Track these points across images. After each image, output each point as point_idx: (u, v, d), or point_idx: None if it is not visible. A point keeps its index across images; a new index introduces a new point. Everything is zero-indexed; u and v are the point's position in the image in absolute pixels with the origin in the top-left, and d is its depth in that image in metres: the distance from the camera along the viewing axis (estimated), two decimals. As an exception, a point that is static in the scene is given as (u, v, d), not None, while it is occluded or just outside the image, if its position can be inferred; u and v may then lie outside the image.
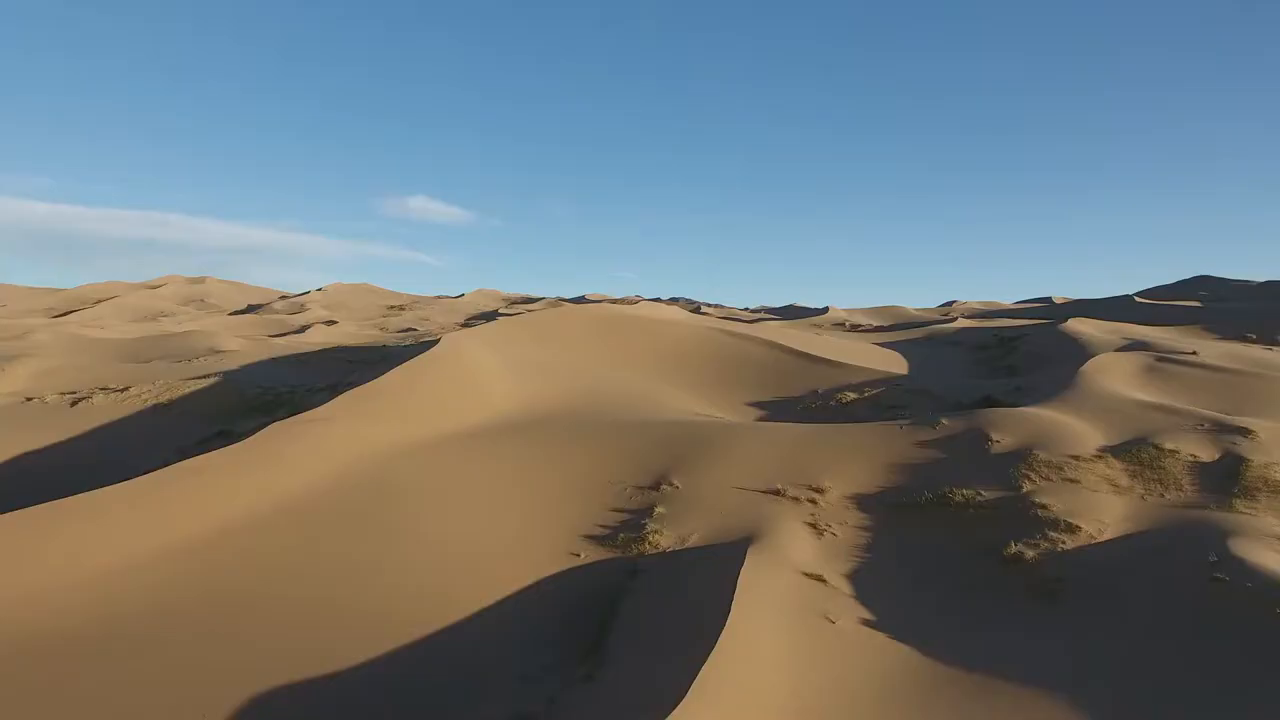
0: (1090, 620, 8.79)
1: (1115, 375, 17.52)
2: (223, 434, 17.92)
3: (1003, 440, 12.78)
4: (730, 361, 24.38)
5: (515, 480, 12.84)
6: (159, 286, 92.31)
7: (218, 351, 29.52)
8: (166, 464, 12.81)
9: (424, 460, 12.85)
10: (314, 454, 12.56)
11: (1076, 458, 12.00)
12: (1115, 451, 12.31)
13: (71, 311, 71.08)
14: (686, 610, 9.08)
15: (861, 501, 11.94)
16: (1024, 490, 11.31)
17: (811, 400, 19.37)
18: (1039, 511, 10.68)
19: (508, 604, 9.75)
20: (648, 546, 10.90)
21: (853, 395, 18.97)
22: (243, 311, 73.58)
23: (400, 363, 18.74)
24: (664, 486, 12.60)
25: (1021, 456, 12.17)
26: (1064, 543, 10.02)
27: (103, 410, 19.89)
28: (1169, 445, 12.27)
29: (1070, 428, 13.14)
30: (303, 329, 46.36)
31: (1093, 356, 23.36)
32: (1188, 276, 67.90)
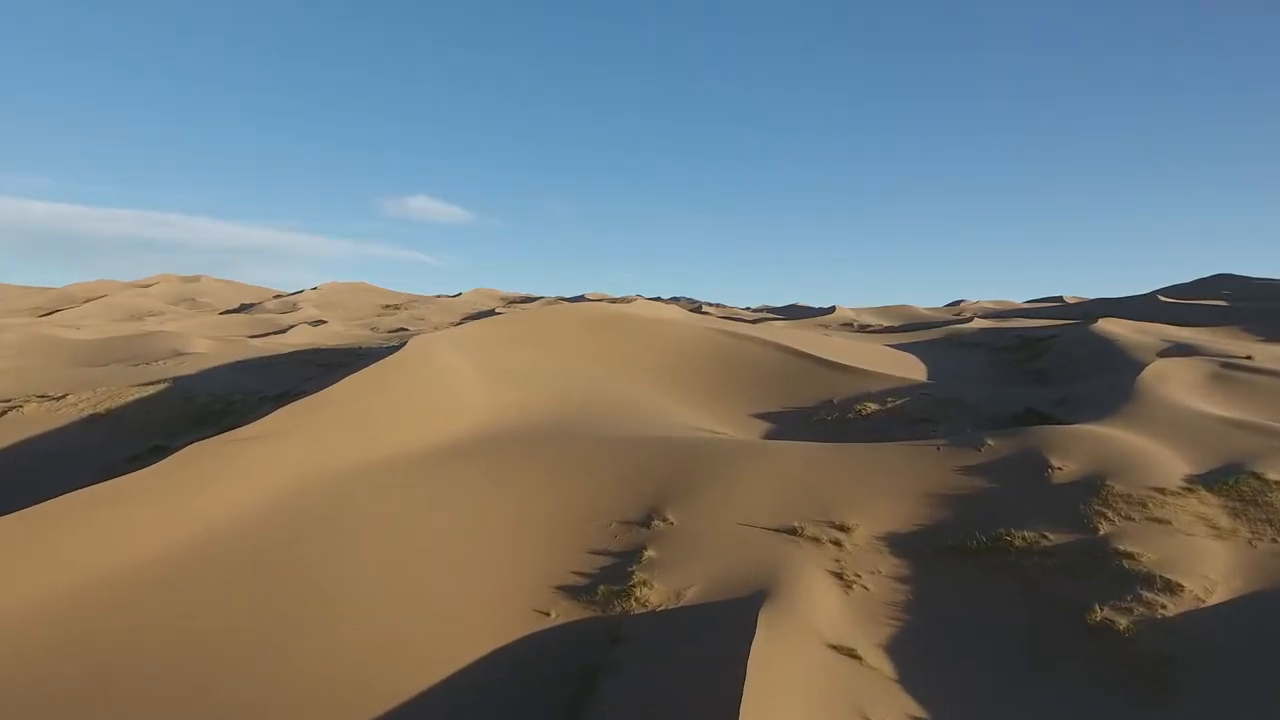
0: (1216, 717, 6.63)
1: (1178, 384, 15.29)
2: (157, 449, 15.80)
3: (1065, 467, 10.59)
4: (733, 366, 22.20)
5: (477, 511, 10.69)
6: (150, 285, 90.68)
7: (181, 354, 27.43)
8: (80, 486, 10.75)
9: (366, 489, 10.70)
10: (235, 481, 10.43)
11: (1161, 491, 9.80)
12: (1206, 482, 10.11)
13: (56, 310, 69.33)
14: (682, 700, 6.95)
15: (896, 544, 9.77)
16: (1101, 533, 9.12)
17: (826, 412, 17.17)
18: (1125, 562, 8.49)
19: (456, 684, 7.63)
20: (634, 603, 8.74)
21: (873, 406, 16.77)
22: (235, 311, 71.75)
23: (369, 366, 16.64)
24: (655, 522, 10.44)
25: (1092, 488, 9.98)
26: (1164, 606, 7.83)
27: (32, 420, 17.78)
28: (1272, 475, 10.08)
29: (1146, 451, 10.94)
30: (285, 329, 44.30)
31: (1133, 360, 21.15)
32: (1206, 275, 65.64)
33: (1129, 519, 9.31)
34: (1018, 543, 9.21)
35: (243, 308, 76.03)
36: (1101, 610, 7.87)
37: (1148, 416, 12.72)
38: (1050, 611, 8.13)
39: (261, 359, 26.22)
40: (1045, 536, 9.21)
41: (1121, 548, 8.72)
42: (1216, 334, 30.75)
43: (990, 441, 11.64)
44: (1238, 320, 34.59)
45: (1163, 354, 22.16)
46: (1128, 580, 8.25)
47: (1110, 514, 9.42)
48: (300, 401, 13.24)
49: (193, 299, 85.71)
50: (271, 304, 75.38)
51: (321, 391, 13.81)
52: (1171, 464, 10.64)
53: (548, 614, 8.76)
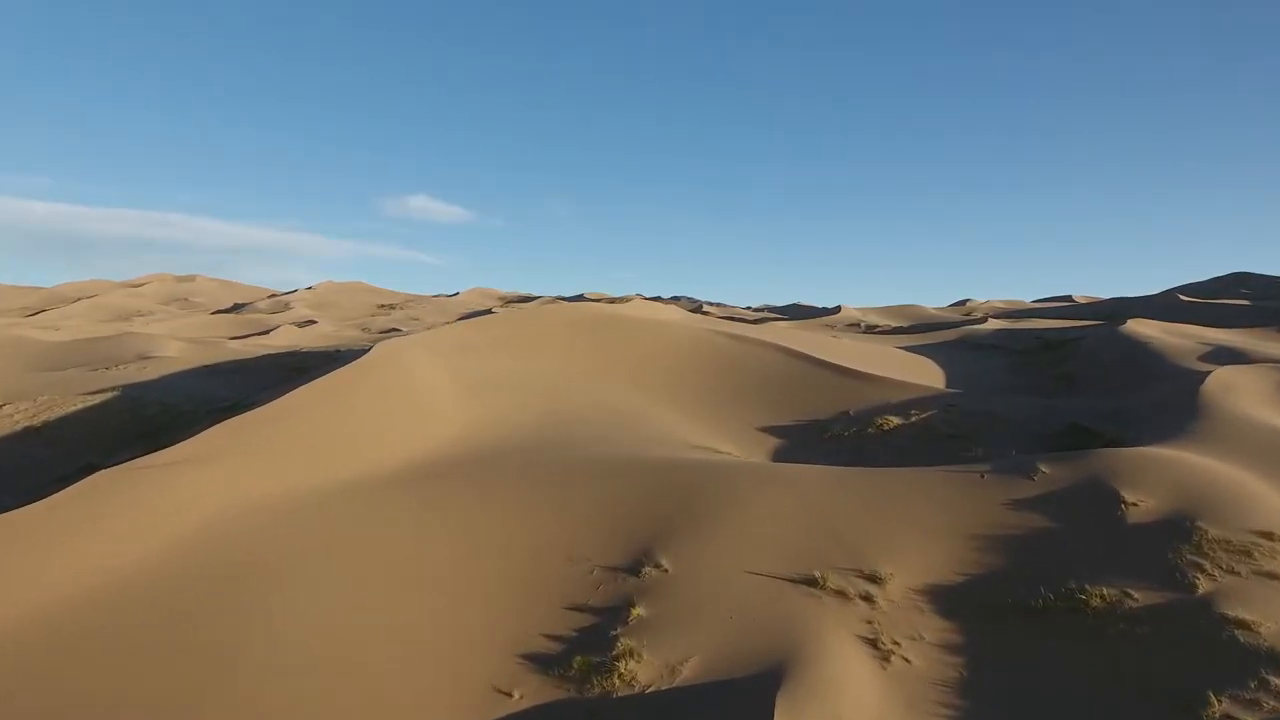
0: None
1: (1250, 397, 13.43)
2: (90, 467, 14.10)
3: (1142, 503, 8.78)
4: (735, 371, 20.38)
5: (431, 556, 8.91)
6: (142, 285, 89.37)
7: (147, 357, 25.66)
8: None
9: (293, 529, 8.91)
10: (136, 521, 8.66)
11: (1267, 535, 7.99)
12: (1319, 524, 8.31)
13: (43, 311, 67.82)
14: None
15: (940, 599, 7.98)
16: (1200, 592, 7.32)
17: (842, 426, 15.36)
18: (1239, 634, 6.70)
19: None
20: (617, 681, 6.97)
21: (895, 419, 14.96)
22: (227, 310, 70.23)
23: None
24: (646, 568, 8.65)
25: (1180, 531, 8.18)
26: (1301, 699, 6.04)
27: (-40, 434, 16.05)
28: (1399, 514, 8.28)
29: (1238, 483, 9.13)
30: (269, 330, 42.58)
31: (1175, 366, 19.33)
32: (1223, 273, 63.77)
33: (1233, 573, 7.51)
34: (1095, 602, 7.42)
35: (235, 308, 74.58)
36: (1219, 703, 6.07)
37: (1227, 437, 10.90)
38: (1148, 701, 6.34)
39: (232, 363, 24.50)
40: (1129, 595, 7.42)
41: (1231, 613, 6.93)
42: (1251, 336, 28.88)
43: (1044, 468, 9.82)
44: (1269, 321, 32.70)
45: (1204, 359, 20.35)
46: (1246, 659, 6.46)
47: (1208, 566, 7.62)
48: (238, 418, 11.48)
49: (185, 299, 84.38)
50: (263, 304, 73.92)
51: (267, 405, 12.05)
52: (1271, 499, 8.83)
53: (509, 694, 7.00)
